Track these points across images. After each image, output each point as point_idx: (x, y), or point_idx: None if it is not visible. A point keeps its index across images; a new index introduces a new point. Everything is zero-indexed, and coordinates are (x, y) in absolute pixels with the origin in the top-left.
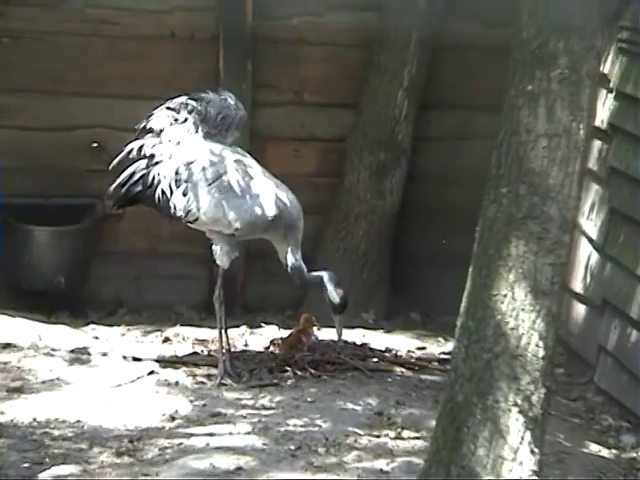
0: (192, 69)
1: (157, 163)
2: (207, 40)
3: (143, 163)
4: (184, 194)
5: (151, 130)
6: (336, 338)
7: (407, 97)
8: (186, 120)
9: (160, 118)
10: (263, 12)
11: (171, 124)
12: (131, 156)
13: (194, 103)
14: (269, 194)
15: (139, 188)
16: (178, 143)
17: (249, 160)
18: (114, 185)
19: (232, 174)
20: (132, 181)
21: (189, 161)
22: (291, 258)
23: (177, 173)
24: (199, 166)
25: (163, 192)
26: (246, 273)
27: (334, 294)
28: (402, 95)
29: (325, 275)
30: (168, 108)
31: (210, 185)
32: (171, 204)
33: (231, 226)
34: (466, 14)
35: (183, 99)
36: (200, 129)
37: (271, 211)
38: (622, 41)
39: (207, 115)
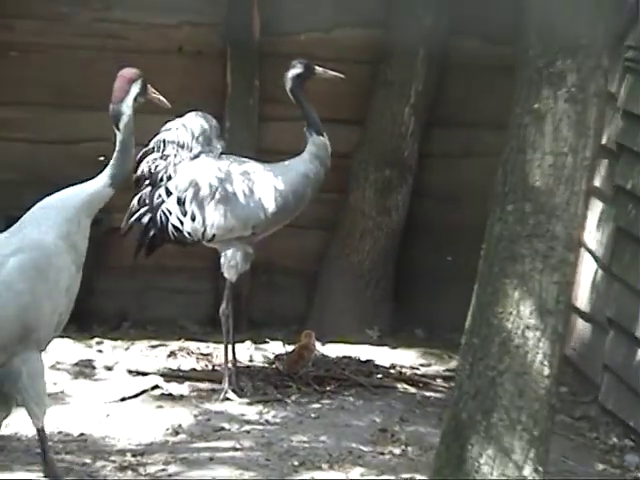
0: (199, 84)
1: (161, 204)
2: (214, 55)
3: (144, 210)
4: (193, 219)
5: (143, 177)
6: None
7: (413, 114)
8: (167, 157)
9: (146, 163)
10: (270, 27)
11: (157, 165)
12: (134, 209)
13: (168, 136)
14: (269, 188)
15: (152, 233)
16: (169, 178)
17: (245, 162)
18: (130, 238)
19: (230, 179)
20: (144, 230)
21: (184, 187)
22: None
23: (179, 203)
24: (195, 187)
25: (175, 227)
26: (251, 288)
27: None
28: (408, 112)
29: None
30: (147, 153)
31: (212, 199)
32: (185, 233)
33: (247, 227)
34: (473, 31)
35: (157, 137)
36: (183, 155)
37: (277, 198)
38: (629, 60)
39: (185, 140)
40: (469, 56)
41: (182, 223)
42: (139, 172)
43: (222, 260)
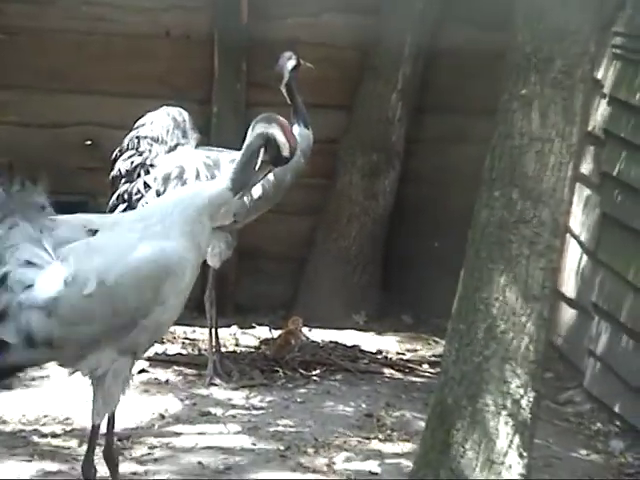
0: (187, 68)
1: (140, 198)
2: (202, 39)
3: (124, 207)
4: None
5: (120, 176)
6: None
7: (401, 99)
8: (142, 153)
9: (121, 161)
10: (258, 12)
11: (132, 162)
12: (113, 205)
13: (141, 132)
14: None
15: None
16: (147, 172)
17: (229, 151)
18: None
19: (218, 166)
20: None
21: (165, 178)
22: None
23: (158, 194)
24: (179, 176)
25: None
26: (238, 273)
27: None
28: (396, 97)
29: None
30: (122, 151)
31: None
32: None
33: (229, 215)
34: (462, 18)
35: (131, 135)
36: (159, 149)
37: (258, 190)
38: (616, 47)
39: (160, 134)
40: (458, 42)
41: None
42: (115, 171)
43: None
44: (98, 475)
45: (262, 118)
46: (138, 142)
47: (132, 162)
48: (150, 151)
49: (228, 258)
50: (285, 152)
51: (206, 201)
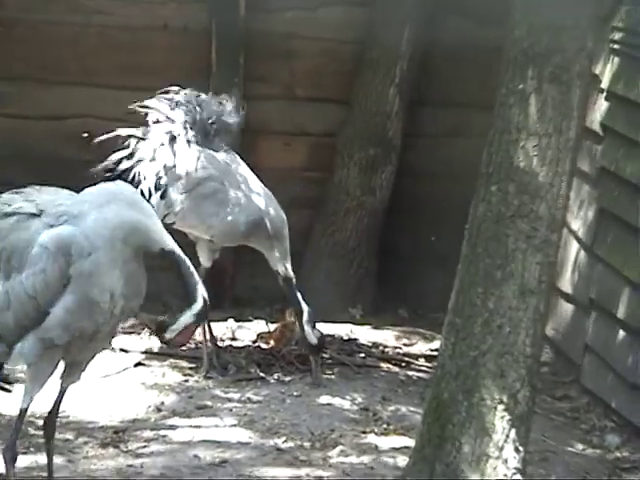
0: (184, 61)
1: (139, 161)
2: (200, 32)
3: (126, 156)
4: (162, 197)
5: (155, 122)
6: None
7: (398, 93)
8: (174, 121)
9: (152, 112)
10: (256, 5)
11: (157, 120)
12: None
13: (188, 104)
14: (249, 204)
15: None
16: (162, 144)
17: (240, 167)
18: (99, 168)
19: (214, 182)
20: (116, 172)
21: (171, 165)
22: (281, 267)
23: (158, 176)
24: (181, 171)
25: (142, 193)
26: (235, 266)
27: (311, 336)
28: (393, 91)
29: (306, 311)
30: (161, 101)
31: (189, 191)
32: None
33: (207, 233)
34: (459, 11)
35: (177, 97)
36: (188, 132)
37: (246, 221)
38: (614, 42)
39: (197, 118)
40: (456, 36)
41: (151, 195)
42: (153, 118)
43: (197, 247)
44: (97, 470)
45: (204, 305)
46: (178, 110)
47: (157, 119)
48: (182, 125)
49: (220, 255)
50: (167, 335)
51: (120, 223)
